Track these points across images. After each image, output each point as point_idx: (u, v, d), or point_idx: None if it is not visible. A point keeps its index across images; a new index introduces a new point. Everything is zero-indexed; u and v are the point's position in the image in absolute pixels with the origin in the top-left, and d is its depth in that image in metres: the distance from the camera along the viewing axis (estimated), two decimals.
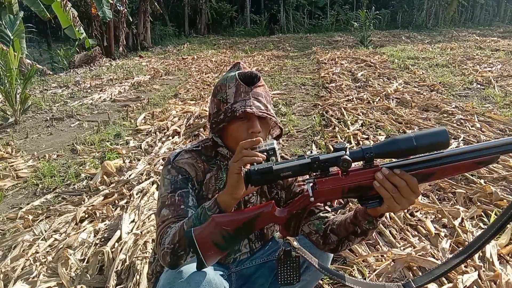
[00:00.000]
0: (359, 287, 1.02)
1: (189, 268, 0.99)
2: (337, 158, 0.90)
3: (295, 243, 1.04)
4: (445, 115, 4.20)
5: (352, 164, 0.90)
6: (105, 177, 3.01)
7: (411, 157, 0.92)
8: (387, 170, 0.90)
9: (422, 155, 0.92)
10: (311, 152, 0.95)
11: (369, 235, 1.07)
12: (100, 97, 6.12)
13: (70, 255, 1.96)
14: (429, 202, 2.37)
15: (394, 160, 0.94)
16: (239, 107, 1.09)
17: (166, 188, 1.11)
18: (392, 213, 2.24)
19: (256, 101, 1.11)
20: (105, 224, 2.31)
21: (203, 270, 0.98)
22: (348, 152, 0.90)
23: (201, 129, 4.11)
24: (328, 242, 1.15)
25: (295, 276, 1.03)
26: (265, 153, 0.94)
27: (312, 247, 1.19)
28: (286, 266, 1.03)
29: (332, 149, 0.96)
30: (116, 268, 1.85)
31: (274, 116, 1.13)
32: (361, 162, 0.93)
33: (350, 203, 2.21)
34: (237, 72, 1.16)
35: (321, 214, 1.19)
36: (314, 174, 0.94)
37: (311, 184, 0.94)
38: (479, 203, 2.29)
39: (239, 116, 1.08)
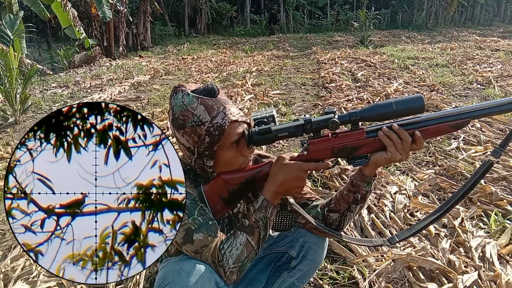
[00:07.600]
0: (353, 242, 1.20)
1: (182, 261, 1.01)
2: (327, 120, 1.01)
3: (291, 200, 1.14)
4: None
5: (341, 127, 1.02)
6: None
7: (392, 120, 1.04)
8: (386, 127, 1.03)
9: (404, 118, 1.04)
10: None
11: (367, 200, 1.15)
12: (100, 97, 6.11)
13: None
14: (429, 202, 2.37)
15: (379, 123, 1.06)
16: (221, 120, 1.02)
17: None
18: (392, 214, 2.25)
19: (232, 107, 1.06)
20: None
21: (194, 261, 0.99)
22: (336, 116, 1.02)
23: None
24: (329, 223, 1.18)
25: (287, 225, 1.18)
26: (265, 120, 1.05)
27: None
28: (281, 215, 1.16)
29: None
30: None
31: (251, 121, 1.10)
32: (349, 125, 1.05)
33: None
34: (190, 92, 1.04)
35: (314, 203, 1.23)
36: (307, 136, 1.06)
37: (305, 144, 1.07)
38: (479, 203, 2.29)
39: (227, 129, 1.02)
